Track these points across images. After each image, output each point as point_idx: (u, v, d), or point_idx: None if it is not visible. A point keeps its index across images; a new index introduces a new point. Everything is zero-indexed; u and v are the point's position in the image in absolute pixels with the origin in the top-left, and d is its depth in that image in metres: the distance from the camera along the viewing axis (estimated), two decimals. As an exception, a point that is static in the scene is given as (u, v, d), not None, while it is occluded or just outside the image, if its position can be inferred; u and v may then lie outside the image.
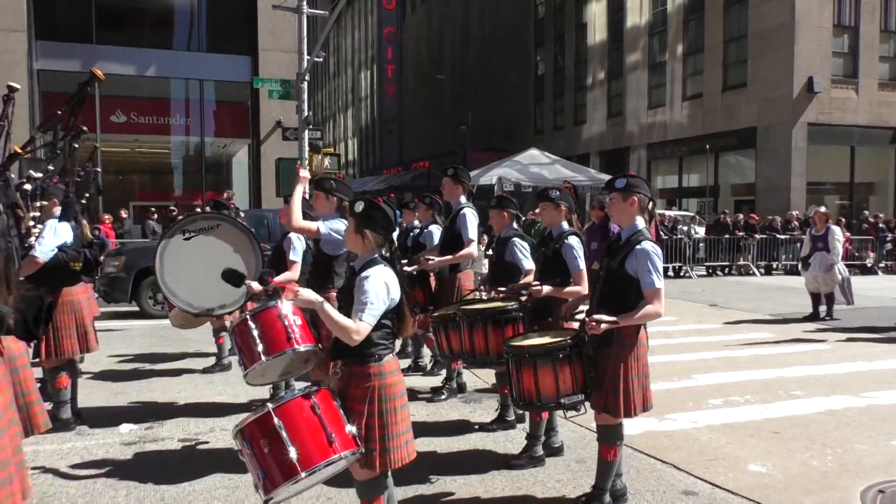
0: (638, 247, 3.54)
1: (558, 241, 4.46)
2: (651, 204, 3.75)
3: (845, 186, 27.04)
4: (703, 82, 28.53)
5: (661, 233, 16.95)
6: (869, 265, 19.69)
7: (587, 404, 3.75)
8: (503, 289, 4.80)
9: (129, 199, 20.59)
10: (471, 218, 5.73)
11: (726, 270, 19.40)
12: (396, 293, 3.08)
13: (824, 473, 4.48)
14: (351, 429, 2.92)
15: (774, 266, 19.59)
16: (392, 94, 54.83)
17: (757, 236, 19.32)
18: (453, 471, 4.45)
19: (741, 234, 19.33)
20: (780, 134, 25.01)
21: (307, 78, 16.93)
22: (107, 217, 15.55)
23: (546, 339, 3.90)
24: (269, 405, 2.87)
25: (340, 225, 4.62)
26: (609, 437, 3.74)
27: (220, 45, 20.06)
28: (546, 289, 4.41)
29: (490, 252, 5.37)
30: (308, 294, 3.01)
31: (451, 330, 4.67)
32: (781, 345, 8.86)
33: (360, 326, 2.92)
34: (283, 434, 2.80)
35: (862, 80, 25.61)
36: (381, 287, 2.99)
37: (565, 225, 4.55)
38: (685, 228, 19.17)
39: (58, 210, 4.98)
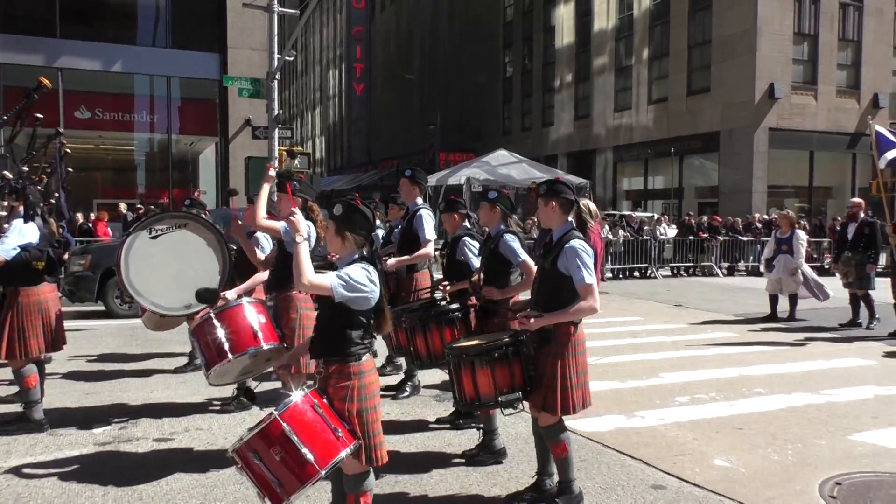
0: (567, 245, 3.65)
1: (496, 240, 4.57)
2: (577, 207, 3.81)
3: (804, 190, 27.79)
4: (669, 86, 29.05)
5: (609, 236, 17.23)
6: (826, 267, 20.25)
7: (525, 403, 3.86)
8: (446, 283, 5.03)
9: (92, 196, 20.24)
10: (427, 219, 5.84)
11: (690, 271, 19.79)
12: (376, 291, 3.12)
13: (785, 467, 4.66)
14: (345, 423, 2.99)
15: (738, 267, 20.04)
16: (360, 93, 54.64)
17: (720, 238, 19.75)
18: (415, 468, 4.53)
19: (705, 235, 19.74)
20: (743, 138, 25.59)
21: (277, 76, 16.84)
22: (104, 214, 15.37)
23: (485, 340, 4.00)
24: (274, 412, 2.88)
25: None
26: (554, 436, 3.81)
27: (186, 41, 19.82)
28: (494, 291, 4.53)
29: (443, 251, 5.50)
30: (301, 221, 3.14)
31: (399, 329, 4.80)
32: (744, 344, 9.11)
33: (319, 280, 2.98)
34: (295, 438, 2.82)
35: (821, 86, 26.35)
36: (364, 276, 3.04)
37: (502, 225, 4.66)
38: (649, 229, 19.51)
39: (20, 209, 4.92)
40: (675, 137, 28.12)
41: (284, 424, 2.83)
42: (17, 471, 4.37)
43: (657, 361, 7.94)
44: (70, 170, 5.76)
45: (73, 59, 18.35)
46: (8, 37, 17.63)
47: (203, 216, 5.57)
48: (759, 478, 4.46)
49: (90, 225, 15.29)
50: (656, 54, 29.89)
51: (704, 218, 21.21)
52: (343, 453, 2.89)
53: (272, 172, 4.86)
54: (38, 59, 17.44)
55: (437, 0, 47.06)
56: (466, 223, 5.40)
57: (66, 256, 6.78)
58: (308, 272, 2.97)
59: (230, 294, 4.99)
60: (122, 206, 17.07)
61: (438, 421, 5.51)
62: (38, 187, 5.17)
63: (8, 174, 4.71)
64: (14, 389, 5.85)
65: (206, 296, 4.63)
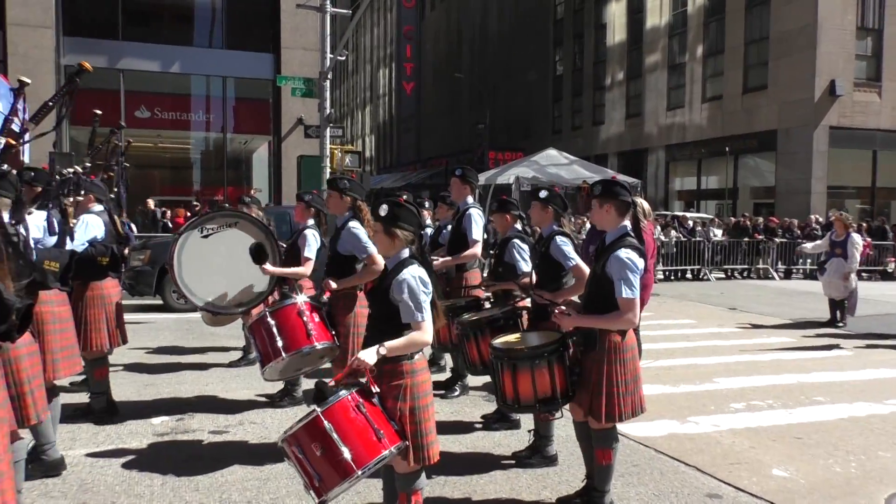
0: (614, 254, 3.55)
1: (547, 242, 4.51)
2: (634, 209, 3.73)
3: (867, 191, 26.83)
4: (723, 84, 28.39)
5: (662, 236, 16.89)
6: (890, 270, 19.54)
7: (565, 409, 3.81)
8: (492, 282, 5.02)
9: (150, 193, 20.84)
10: (476, 219, 5.82)
11: (745, 274, 19.32)
12: (429, 290, 3.15)
13: (848, 480, 4.51)
14: (393, 423, 3.01)
15: (794, 270, 19.48)
16: (410, 92, 54.95)
17: (777, 240, 19.22)
18: (462, 470, 4.53)
19: (760, 237, 19.24)
20: (801, 137, 24.85)
21: (329, 76, 17.05)
22: (181, 211, 15.85)
23: (529, 343, 3.95)
24: (317, 409, 2.92)
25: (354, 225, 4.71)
26: (602, 441, 3.75)
27: (240, 42, 20.25)
28: (545, 293, 4.47)
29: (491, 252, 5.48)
30: (366, 356, 3.00)
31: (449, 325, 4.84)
32: (802, 350, 8.85)
33: (424, 327, 3.06)
34: (335, 436, 2.85)
35: (885, 83, 25.40)
36: (420, 285, 3.08)
37: (554, 226, 4.59)
38: (702, 230, 19.11)
39: (93, 205, 5.09)
40: (730, 136, 27.45)
41: (326, 422, 2.87)
42: (81, 459, 4.53)
43: (711, 366, 7.78)
44: (126, 165, 5.91)
45: (134, 60, 18.92)
46: (74, 39, 18.28)
47: (253, 215, 5.68)
48: (819, 490, 4.32)
49: (168, 222, 15.81)
50: (711, 51, 29.24)
51: (760, 219, 20.66)
52: (382, 455, 2.90)
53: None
54: (101, 61, 18.00)
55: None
56: (518, 224, 5.35)
57: (127, 251, 6.99)
58: (417, 338, 3.06)
59: (269, 268, 5.03)
60: (150, 203, 17.49)
61: (483, 419, 5.50)
62: (103, 183, 5.34)
63: (79, 169, 4.87)
64: (79, 380, 6.07)
65: (259, 250, 4.71)
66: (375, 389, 3.03)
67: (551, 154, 23.41)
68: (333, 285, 4.66)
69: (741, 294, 15.16)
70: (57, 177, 4.55)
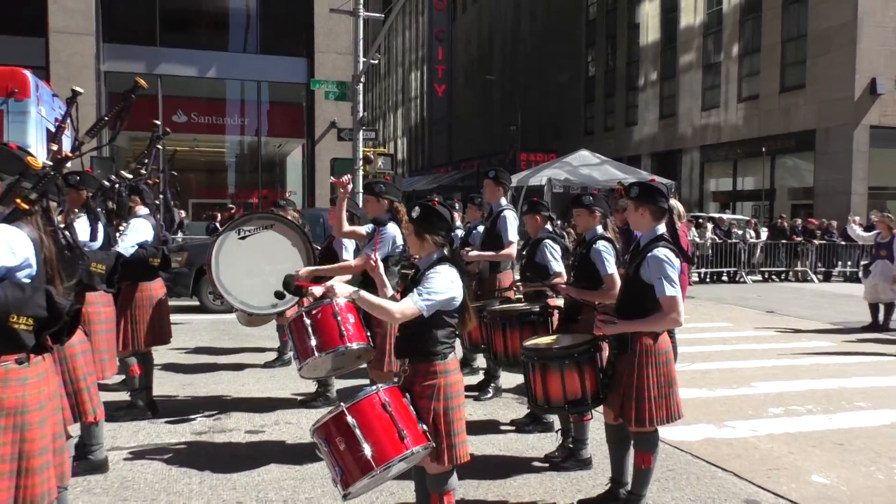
0: (650, 254, 3.52)
1: (588, 245, 4.48)
2: (670, 214, 3.69)
3: (909, 191, 26.16)
4: (760, 83, 27.94)
5: (696, 239, 16.65)
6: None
7: (596, 410, 3.80)
8: (519, 283, 4.96)
9: (187, 196, 21.20)
10: (511, 220, 5.83)
11: (783, 276, 18.97)
12: (460, 292, 3.14)
13: (891, 487, 4.40)
14: (422, 424, 3.02)
15: (834, 273, 19.07)
16: (442, 94, 55.06)
17: (816, 241, 18.83)
18: (492, 474, 4.52)
19: (799, 239, 18.87)
20: (841, 136, 24.33)
21: (362, 79, 17.17)
22: (227, 215, 16.19)
23: (559, 343, 3.93)
24: (343, 404, 2.98)
25: (389, 227, 4.74)
26: (642, 445, 3.71)
27: (275, 47, 20.50)
28: (574, 289, 4.49)
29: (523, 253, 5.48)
30: (341, 288, 3.06)
31: (481, 325, 4.86)
32: (843, 354, 8.66)
33: (406, 308, 2.99)
34: (357, 432, 2.90)
35: (929, 81, 24.75)
36: (445, 283, 3.06)
37: (599, 229, 4.56)
38: (740, 232, 18.80)
39: (141, 209, 5.22)
40: (767, 136, 26.99)
41: (350, 417, 2.92)
42: (122, 456, 4.63)
43: (748, 370, 7.65)
44: (174, 173, 6.05)
45: (172, 65, 19.28)
46: (113, 46, 18.70)
47: (289, 217, 5.75)
48: (861, 497, 4.23)
49: (217, 225, 16.12)
50: (747, 50, 28.79)
51: (799, 221, 20.26)
52: (403, 454, 2.92)
53: (349, 187, 4.92)
54: (139, 67, 18.39)
55: (518, 1, 46.87)
56: (548, 225, 5.35)
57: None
58: (392, 309, 2.99)
59: (316, 291, 5.08)
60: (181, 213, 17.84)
61: (512, 423, 5.49)
62: (150, 188, 5.46)
63: (127, 174, 5.00)
64: (119, 379, 6.20)
65: (286, 287, 4.79)
66: (319, 291, 3.25)
67: (584, 155, 23.27)
68: (317, 292, 4.81)
69: (779, 297, 14.89)
70: (106, 182, 4.67)
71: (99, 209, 4.34)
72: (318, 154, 20.14)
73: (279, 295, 4.55)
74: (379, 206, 4.86)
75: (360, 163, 15.45)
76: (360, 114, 17.20)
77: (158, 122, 5.99)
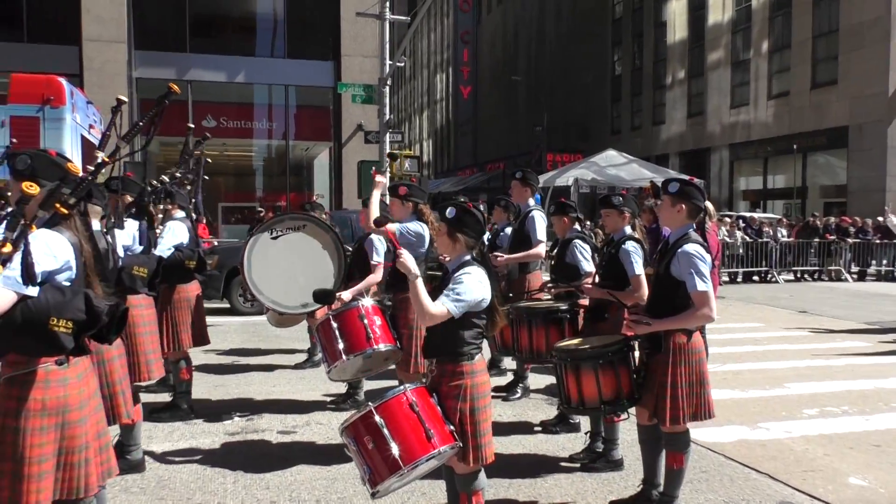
0: (680, 250, 3.51)
1: (616, 245, 4.46)
2: (703, 214, 3.68)
3: (945, 188, 25.55)
4: (790, 80, 27.53)
5: (726, 238, 16.43)
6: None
7: (631, 410, 3.76)
8: (551, 285, 4.94)
9: (216, 200, 21.47)
10: (539, 220, 5.84)
11: (815, 275, 18.65)
12: (488, 294, 3.15)
13: (931, 489, 4.32)
14: (449, 424, 3.04)
15: (869, 272, 18.70)
16: (467, 96, 55.10)
17: (849, 240, 18.48)
18: (519, 473, 4.52)
19: (832, 237, 18.54)
20: (875, 133, 23.87)
21: (388, 82, 17.26)
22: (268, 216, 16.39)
23: (592, 344, 3.90)
24: (371, 404, 3.01)
25: (416, 227, 4.76)
26: (674, 444, 3.69)
27: (301, 51, 20.67)
28: (599, 289, 4.48)
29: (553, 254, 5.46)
30: (409, 261, 3.02)
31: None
32: (879, 355, 8.49)
33: (437, 310, 2.99)
34: (385, 431, 2.94)
35: (966, 75, 24.16)
36: (475, 285, 3.07)
37: (627, 229, 4.54)
38: (770, 231, 18.53)
39: (178, 212, 5.32)
40: (798, 133, 26.56)
41: (378, 417, 2.95)
42: (158, 456, 4.71)
43: (781, 370, 7.55)
44: (206, 177, 6.15)
45: (201, 71, 19.54)
46: (143, 53, 19.01)
47: (321, 219, 5.80)
48: (900, 499, 4.15)
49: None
50: (777, 46, 28.38)
51: (832, 219, 19.90)
52: (430, 454, 2.93)
53: (380, 178, 4.97)
54: (170, 73, 18.66)
55: (543, 1, 46.72)
56: (577, 226, 5.33)
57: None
58: (428, 306, 2.99)
59: (345, 295, 5.15)
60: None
61: (542, 424, 5.47)
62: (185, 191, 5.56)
63: (165, 178, 5.09)
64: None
65: (322, 296, 4.82)
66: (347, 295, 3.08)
67: (611, 155, 23.12)
68: (346, 296, 4.85)
69: (812, 297, 14.65)
70: (147, 187, 4.76)
71: (139, 213, 4.44)
72: (345, 157, 20.27)
73: (320, 296, 4.61)
74: (404, 208, 4.89)
75: (388, 162, 15.51)
76: (387, 116, 17.30)
77: (192, 125, 6.09)
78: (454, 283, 3.07)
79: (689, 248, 3.50)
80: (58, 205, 2.56)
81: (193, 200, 5.77)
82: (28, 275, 2.38)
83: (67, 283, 2.57)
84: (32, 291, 2.43)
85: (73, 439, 2.58)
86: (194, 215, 5.57)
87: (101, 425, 2.80)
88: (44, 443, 2.51)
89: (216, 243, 13.94)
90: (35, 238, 2.46)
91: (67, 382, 2.59)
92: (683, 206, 3.60)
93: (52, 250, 2.50)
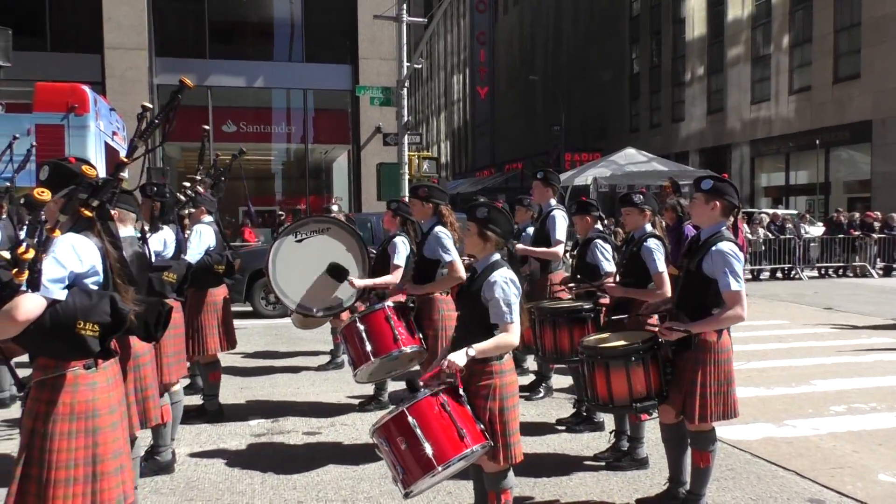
0: (714, 248, 3.48)
1: (638, 243, 4.45)
2: (736, 211, 3.67)
3: (972, 182, 25.11)
4: (812, 74, 27.21)
5: (748, 235, 16.27)
6: None
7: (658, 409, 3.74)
8: (572, 284, 4.94)
9: (237, 204, 21.64)
10: (560, 220, 5.83)
11: (840, 272, 18.41)
12: (520, 292, 3.20)
13: (964, 486, 4.26)
14: (479, 423, 3.05)
15: (895, 267, 18.42)
16: (484, 97, 55.05)
17: (875, 235, 18.22)
18: (544, 472, 4.51)
19: (857, 233, 18.29)
20: (899, 127, 23.52)
21: (406, 84, 17.31)
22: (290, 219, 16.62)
23: (621, 341, 3.88)
24: (403, 405, 3.02)
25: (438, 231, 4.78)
26: (700, 443, 3.67)
27: (319, 55, 20.80)
28: (621, 288, 4.48)
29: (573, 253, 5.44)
30: (457, 358, 3.06)
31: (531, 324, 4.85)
32: (907, 351, 8.38)
33: (512, 329, 3.10)
34: (418, 431, 2.95)
35: None
36: (511, 287, 3.13)
37: (648, 227, 4.53)
38: (793, 227, 18.32)
39: (205, 217, 5.37)
40: (820, 129, 26.25)
41: (410, 417, 2.96)
42: (186, 458, 4.77)
43: (807, 368, 7.47)
44: (223, 179, 6.22)
45: (221, 77, 19.75)
46: (164, 59, 19.24)
47: (345, 221, 5.85)
48: (932, 496, 4.10)
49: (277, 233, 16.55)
50: (798, 41, 28.07)
51: (856, 214, 19.63)
52: (463, 453, 2.95)
53: None
54: (190, 79, 18.76)
55: (560, 0, 46.59)
56: (598, 225, 5.32)
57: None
58: (511, 342, 3.14)
59: (357, 282, 5.17)
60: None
61: (559, 422, 5.47)
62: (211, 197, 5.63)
63: (195, 183, 5.16)
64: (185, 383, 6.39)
65: (337, 271, 4.86)
66: (461, 391, 3.11)
67: (630, 153, 23.02)
68: (358, 283, 4.84)
69: (837, 293, 14.46)
70: (178, 193, 4.83)
71: (170, 218, 4.50)
72: (363, 159, 20.36)
73: (334, 270, 4.63)
74: (425, 209, 4.91)
75: (406, 167, 15.59)
76: (405, 118, 17.36)
77: (207, 127, 6.19)
78: (498, 298, 3.10)
79: (724, 246, 3.47)
80: (82, 208, 2.59)
81: (244, 209, 5.85)
82: (32, 282, 2.35)
83: (95, 287, 2.59)
84: (61, 296, 2.44)
85: (104, 446, 2.57)
86: (248, 220, 5.68)
87: (129, 432, 2.82)
88: (72, 448, 2.50)
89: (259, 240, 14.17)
90: (61, 242, 2.47)
91: (96, 386, 2.59)
92: (718, 203, 3.58)
93: (79, 254, 2.52)
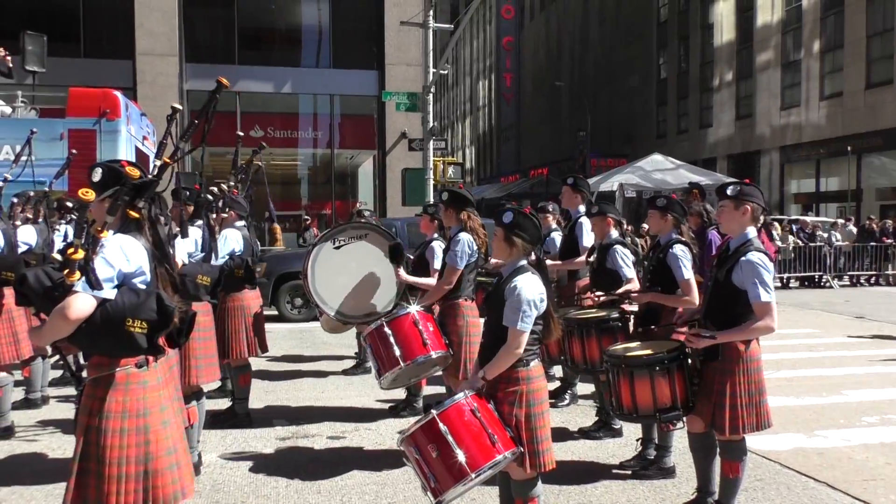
0: (744, 258, 3.42)
1: (664, 249, 4.39)
2: (764, 214, 3.62)
3: None
4: (844, 80, 26.75)
5: (778, 241, 16.00)
6: None
7: (685, 419, 3.69)
8: (600, 293, 4.88)
9: (263, 208, 21.82)
10: (587, 226, 5.76)
11: (871, 280, 18.06)
12: (545, 300, 3.16)
13: None
14: (508, 429, 3.03)
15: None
16: (510, 103, 54.97)
17: (908, 243, 17.85)
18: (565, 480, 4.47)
19: (889, 241, 17.93)
20: (934, 133, 23.03)
21: (432, 90, 17.36)
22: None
23: (647, 350, 3.83)
24: (433, 411, 3.00)
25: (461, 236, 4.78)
26: (730, 453, 3.61)
27: (346, 61, 20.95)
28: (647, 295, 4.43)
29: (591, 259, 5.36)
30: (470, 383, 3.17)
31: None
32: (942, 362, 8.18)
33: (519, 338, 3.05)
34: (450, 438, 2.92)
35: None
36: (534, 295, 3.10)
37: (674, 234, 4.47)
38: (825, 235, 18.01)
39: (237, 222, 5.42)
40: (852, 135, 25.79)
41: (441, 424, 2.93)
42: (212, 460, 4.81)
43: (838, 377, 7.33)
44: (247, 176, 6.26)
45: (249, 82, 19.96)
46: (194, 66, 19.51)
47: (382, 227, 5.84)
48: (969, 511, 3.99)
49: (303, 239, 16.73)
50: (829, 46, 27.64)
51: (889, 222, 19.26)
52: (495, 459, 2.93)
53: None
54: (219, 85, 19.08)
55: (587, 5, 46.42)
56: (614, 231, 5.24)
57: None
58: (517, 352, 3.08)
59: (403, 275, 5.13)
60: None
61: (580, 431, 5.41)
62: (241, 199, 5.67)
63: (224, 186, 5.22)
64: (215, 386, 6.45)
65: (397, 252, 4.90)
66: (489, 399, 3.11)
67: (656, 159, 22.84)
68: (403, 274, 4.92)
69: (869, 302, 14.19)
70: (209, 196, 4.88)
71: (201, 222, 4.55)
72: (388, 165, 20.44)
73: (394, 250, 4.68)
74: (448, 215, 4.91)
75: (431, 172, 15.62)
76: (430, 124, 17.40)
77: (241, 133, 6.26)
78: (513, 303, 3.07)
79: (753, 256, 3.42)
80: (129, 210, 2.65)
81: (267, 213, 5.88)
82: (91, 280, 2.46)
83: (143, 286, 2.65)
84: (110, 295, 2.52)
85: (156, 443, 2.63)
86: (269, 222, 5.72)
87: (182, 429, 2.86)
88: (124, 445, 2.56)
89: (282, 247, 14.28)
90: (110, 242, 2.56)
91: (147, 385, 2.65)
92: (749, 207, 3.53)
93: (127, 254, 2.60)
